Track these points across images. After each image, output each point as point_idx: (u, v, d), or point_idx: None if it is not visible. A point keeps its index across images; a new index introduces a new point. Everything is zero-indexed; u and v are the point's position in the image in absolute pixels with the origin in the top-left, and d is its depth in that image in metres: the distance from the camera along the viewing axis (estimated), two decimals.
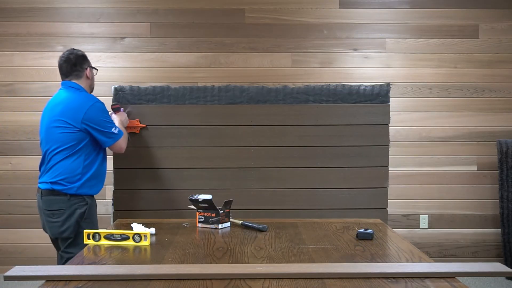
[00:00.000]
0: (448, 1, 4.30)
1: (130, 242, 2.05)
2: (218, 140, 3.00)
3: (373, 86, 3.06)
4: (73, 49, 2.84)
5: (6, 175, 4.26)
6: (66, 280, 1.56)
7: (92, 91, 2.89)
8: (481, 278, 4.08)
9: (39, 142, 2.84)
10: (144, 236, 2.05)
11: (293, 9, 4.27)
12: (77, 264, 1.76)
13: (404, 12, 4.30)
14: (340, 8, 4.28)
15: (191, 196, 2.43)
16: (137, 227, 2.22)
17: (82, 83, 2.79)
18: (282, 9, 4.27)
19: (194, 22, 4.26)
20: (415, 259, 1.82)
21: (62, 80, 2.81)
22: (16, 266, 1.66)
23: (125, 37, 4.25)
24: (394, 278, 1.58)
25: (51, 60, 4.21)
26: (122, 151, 2.79)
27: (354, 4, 4.28)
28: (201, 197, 2.38)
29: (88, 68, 2.82)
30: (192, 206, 2.49)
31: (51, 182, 2.67)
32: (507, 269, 1.67)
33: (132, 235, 2.06)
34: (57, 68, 2.82)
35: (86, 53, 2.89)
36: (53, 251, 4.24)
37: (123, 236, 2.06)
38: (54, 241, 2.80)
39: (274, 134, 3.02)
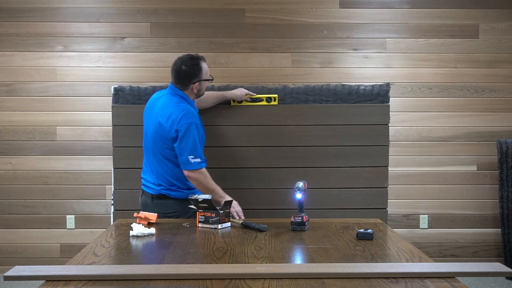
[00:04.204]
0: (448, 1, 4.30)
1: (264, 103, 2.96)
2: (218, 140, 3.00)
3: (372, 86, 3.06)
4: (191, 58, 2.65)
5: (6, 175, 4.26)
6: (66, 280, 1.56)
7: (198, 97, 2.76)
8: (481, 278, 4.08)
9: (144, 138, 2.75)
10: (274, 98, 2.98)
11: (293, 9, 4.27)
12: (77, 264, 1.76)
13: (404, 12, 4.30)
14: (340, 8, 4.28)
15: (191, 196, 2.43)
16: (137, 227, 2.22)
17: (187, 93, 2.67)
18: (282, 9, 4.27)
19: (194, 22, 4.26)
20: (415, 259, 1.82)
21: (171, 82, 2.71)
22: (16, 266, 1.66)
23: (125, 37, 4.24)
24: (394, 278, 1.58)
25: (51, 60, 4.21)
26: (189, 179, 2.62)
27: (354, 4, 4.28)
28: (201, 197, 2.38)
29: (197, 83, 2.65)
30: (192, 206, 2.49)
31: (162, 188, 2.65)
32: (507, 269, 1.67)
33: (265, 97, 2.98)
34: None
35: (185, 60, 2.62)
36: (53, 251, 4.25)
37: (259, 99, 2.96)
38: None
39: (274, 134, 3.02)
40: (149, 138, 2.70)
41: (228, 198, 2.58)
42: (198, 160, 2.56)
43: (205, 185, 2.60)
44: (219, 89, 3.03)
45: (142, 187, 2.77)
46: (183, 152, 2.55)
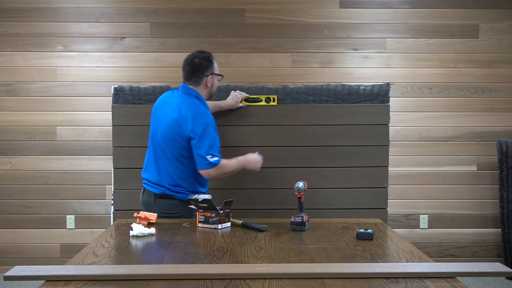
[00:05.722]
0: (448, 1, 4.30)
1: (263, 103, 2.91)
2: None
3: (372, 86, 3.06)
4: (202, 52, 2.70)
5: (6, 175, 4.26)
6: (66, 280, 1.56)
7: (210, 97, 2.78)
8: (481, 278, 4.08)
9: (151, 135, 2.72)
10: (273, 98, 2.94)
11: (293, 9, 4.27)
12: (77, 264, 1.76)
13: (404, 12, 4.30)
14: (340, 8, 4.28)
15: (191, 196, 2.43)
16: (137, 227, 2.22)
17: (200, 90, 2.67)
18: (282, 9, 4.27)
19: (194, 22, 4.26)
20: (415, 259, 1.82)
21: (183, 81, 2.70)
22: (16, 266, 1.66)
23: (125, 37, 4.25)
24: (394, 278, 1.58)
25: (51, 60, 4.21)
26: (209, 177, 2.65)
27: (354, 4, 4.28)
28: (201, 197, 2.38)
29: (210, 76, 2.67)
30: (193, 206, 2.49)
31: (167, 188, 2.63)
32: (507, 269, 1.67)
33: (264, 98, 2.91)
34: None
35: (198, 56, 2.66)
36: (53, 251, 4.25)
37: (258, 99, 2.89)
38: None
39: (274, 134, 3.02)
40: (159, 137, 2.66)
41: (244, 159, 2.71)
42: (216, 158, 2.56)
43: (228, 173, 2.65)
44: (219, 89, 3.03)
45: (144, 185, 2.74)
46: (200, 152, 2.53)
